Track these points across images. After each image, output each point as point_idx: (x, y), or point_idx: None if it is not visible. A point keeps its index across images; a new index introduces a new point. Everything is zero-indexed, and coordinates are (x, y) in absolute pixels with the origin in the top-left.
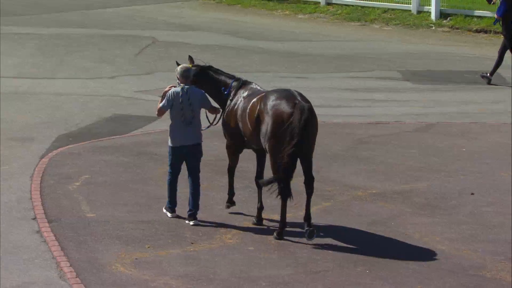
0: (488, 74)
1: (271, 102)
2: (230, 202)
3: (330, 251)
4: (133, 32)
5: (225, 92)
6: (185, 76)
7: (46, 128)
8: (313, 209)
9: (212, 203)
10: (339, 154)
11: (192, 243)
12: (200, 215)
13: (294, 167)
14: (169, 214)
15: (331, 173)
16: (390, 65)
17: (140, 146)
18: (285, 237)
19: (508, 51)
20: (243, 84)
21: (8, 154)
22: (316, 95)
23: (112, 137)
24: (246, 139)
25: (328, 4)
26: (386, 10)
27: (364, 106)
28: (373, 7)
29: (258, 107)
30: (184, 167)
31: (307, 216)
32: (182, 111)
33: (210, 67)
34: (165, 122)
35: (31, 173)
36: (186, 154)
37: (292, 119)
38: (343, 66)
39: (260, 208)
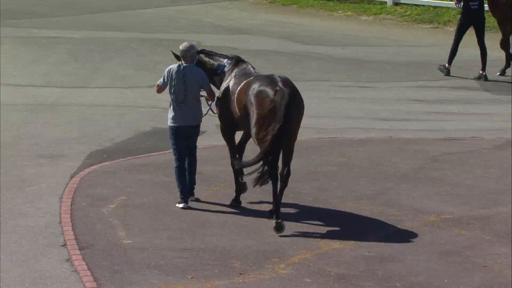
0: (481, 71)
1: (253, 90)
2: (236, 201)
3: (397, 284)
4: (175, 36)
5: (219, 71)
6: (182, 55)
7: (77, 144)
8: (378, 235)
9: (263, 228)
10: (408, 174)
11: (241, 273)
12: (249, 242)
13: (278, 152)
14: (180, 205)
15: (399, 195)
16: (466, 73)
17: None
18: (343, 268)
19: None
20: (236, 62)
21: (35, 172)
22: (382, 107)
23: (152, 153)
24: (236, 121)
25: (396, 4)
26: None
27: (437, 119)
28: (447, 7)
29: (243, 95)
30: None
31: (277, 208)
32: (174, 89)
33: (202, 51)
34: (212, 137)
35: (61, 194)
36: (184, 134)
37: (274, 105)
38: (412, 75)
39: (239, 192)
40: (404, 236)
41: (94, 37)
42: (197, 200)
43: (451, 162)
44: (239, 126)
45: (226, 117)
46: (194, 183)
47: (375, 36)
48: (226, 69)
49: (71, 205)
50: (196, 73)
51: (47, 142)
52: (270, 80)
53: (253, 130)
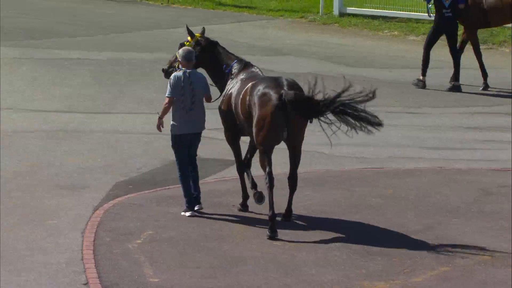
0: (453, 81)
1: (258, 92)
2: (243, 206)
3: None
4: None
5: (226, 71)
6: (187, 58)
7: (101, 174)
8: (427, 275)
9: (301, 264)
10: (459, 207)
11: None
12: (286, 280)
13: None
14: (187, 214)
15: (450, 230)
16: None
17: (215, 195)
18: None
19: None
20: (245, 66)
21: (55, 204)
22: (432, 135)
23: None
24: (239, 124)
25: None
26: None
27: (491, 148)
28: (503, 27)
29: (247, 98)
30: None
31: (289, 212)
32: (183, 97)
33: (217, 43)
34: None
35: (83, 228)
36: (188, 142)
37: (278, 110)
38: (464, 99)
39: (246, 197)
40: (456, 275)
41: (120, 58)
42: (201, 209)
43: (506, 195)
44: (244, 131)
45: (230, 121)
46: (199, 191)
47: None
48: (233, 70)
49: (94, 240)
50: (200, 77)
51: (68, 171)
52: (276, 82)
53: (254, 131)
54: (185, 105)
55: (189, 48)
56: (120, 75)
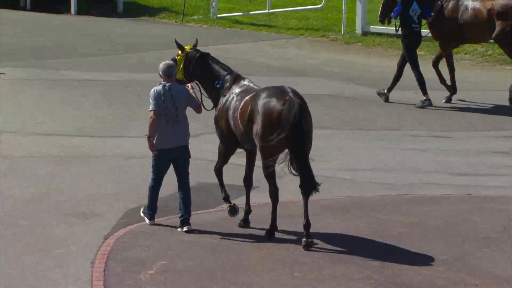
0: (386, 91)
1: (261, 100)
2: (225, 199)
3: None
4: None
5: (217, 86)
6: (167, 73)
7: (112, 200)
8: None
9: None
10: (489, 236)
11: None
12: None
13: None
14: (147, 221)
15: (480, 261)
16: None
17: (232, 223)
18: None
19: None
20: (236, 79)
21: (64, 233)
22: (460, 160)
23: (197, 212)
24: (239, 139)
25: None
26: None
27: None
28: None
29: (250, 107)
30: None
31: (307, 222)
32: (165, 111)
33: (208, 54)
34: (266, 193)
35: (93, 258)
36: (173, 157)
37: (283, 117)
38: (494, 123)
39: (248, 212)
40: None
41: (132, 79)
42: (192, 231)
43: None
44: (242, 143)
45: (227, 136)
46: (190, 213)
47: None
48: (225, 85)
49: (104, 270)
50: (181, 90)
51: (78, 198)
52: (280, 90)
53: (257, 140)
54: (169, 119)
55: (170, 62)
56: (132, 97)
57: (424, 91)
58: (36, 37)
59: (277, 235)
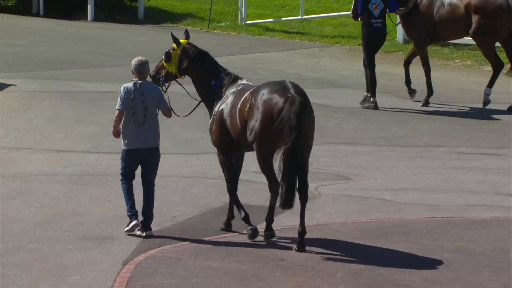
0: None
1: (262, 96)
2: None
3: None
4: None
5: (215, 87)
6: (139, 71)
7: None
8: None
9: None
10: None
11: None
12: None
13: (296, 167)
14: (132, 223)
15: None
16: None
17: (262, 248)
18: None
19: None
20: (233, 80)
21: (80, 258)
22: (510, 179)
23: (223, 235)
24: (235, 140)
25: None
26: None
27: None
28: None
29: (249, 102)
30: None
31: (302, 230)
32: (133, 109)
33: (207, 53)
34: (293, 216)
35: (111, 286)
36: (141, 158)
37: (283, 114)
38: None
39: (231, 218)
40: None
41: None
42: (153, 235)
43: None
44: (241, 145)
45: (224, 141)
46: (152, 218)
47: (501, 92)
48: (222, 84)
49: None
50: (153, 90)
51: (94, 220)
52: (280, 86)
53: (252, 139)
54: (136, 118)
55: (142, 59)
56: None
57: (373, 94)
58: (49, 46)
59: (311, 260)
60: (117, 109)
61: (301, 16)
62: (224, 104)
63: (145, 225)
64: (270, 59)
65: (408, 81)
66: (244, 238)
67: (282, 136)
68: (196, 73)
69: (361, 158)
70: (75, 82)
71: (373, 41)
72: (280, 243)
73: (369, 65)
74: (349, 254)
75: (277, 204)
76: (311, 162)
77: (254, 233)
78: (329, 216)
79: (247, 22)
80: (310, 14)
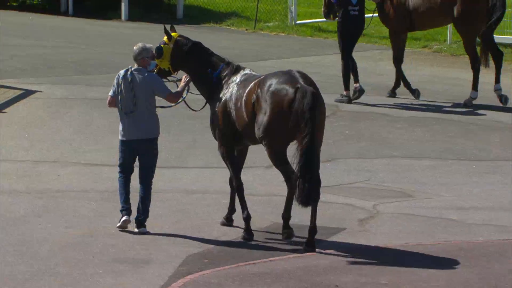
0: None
1: (269, 87)
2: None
3: None
4: None
5: (214, 75)
6: (134, 57)
7: (169, 244)
8: None
9: None
10: None
11: None
12: None
13: (317, 161)
14: (123, 218)
15: None
16: None
17: (313, 272)
18: None
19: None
20: (236, 70)
21: (112, 283)
22: None
23: (270, 259)
24: (241, 134)
25: None
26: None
27: None
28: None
29: (255, 93)
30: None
31: (313, 228)
32: (120, 96)
33: (200, 43)
34: (347, 235)
35: None
36: (136, 150)
37: (296, 107)
38: None
39: (232, 211)
40: None
41: (193, 99)
42: (146, 233)
43: None
44: (244, 139)
45: (227, 133)
46: (147, 214)
47: None
48: (222, 75)
49: None
50: (146, 78)
51: (129, 242)
52: (289, 76)
53: (264, 130)
54: (124, 106)
55: (140, 45)
56: (194, 120)
57: (347, 86)
58: (79, 48)
59: (366, 287)
60: (109, 95)
61: None
62: (228, 95)
63: (140, 222)
64: (323, 63)
65: (405, 81)
66: (294, 262)
67: (296, 130)
68: (191, 66)
69: (425, 173)
70: (108, 88)
71: (349, 30)
72: (332, 262)
73: (346, 57)
74: (411, 281)
75: (297, 201)
76: (368, 177)
77: (248, 237)
78: (389, 238)
79: (298, 22)
80: (368, 13)
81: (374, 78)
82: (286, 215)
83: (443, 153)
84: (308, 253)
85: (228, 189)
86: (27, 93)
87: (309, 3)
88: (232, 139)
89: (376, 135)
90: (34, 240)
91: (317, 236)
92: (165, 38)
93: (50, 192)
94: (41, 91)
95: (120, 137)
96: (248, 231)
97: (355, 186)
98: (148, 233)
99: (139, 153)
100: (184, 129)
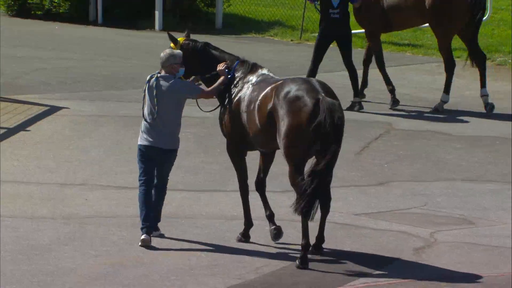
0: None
1: (288, 95)
2: (244, 236)
3: None
4: (359, 114)
5: (229, 76)
6: (161, 64)
7: (206, 275)
8: None
9: None
10: None
11: None
12: None
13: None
14: (141, 237)
15: None
16: None
17: None
18: None
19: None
20: (251, 68)
21: None
22: None
23: None
24: (250, 137)
25: None
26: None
27: None
28: None
29: (272, 100)
30: None
31: (320, 238)
32: (143, 101)
33: (208, 44)
34: (401, 266)
35: None
36: (154, 158)
37: (319, 121)
38: None
39: (271, 215)
40: None
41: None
42: (161, 236)
43: None
44: (254, 144)
45: (237, 133)
46: (159, 219)
47: None
48: (236, 73)
49: None
50: (173, 84)
51: (162, 272)
52: (309, 85)
53: (282, 142)
54: (148, 113)
55: (168, 52)
56: None
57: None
58: (109, 61)
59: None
60: None
61: None
62: (241, 95)
63: (153, 225)
64: (375, 76)
65: (364, 84)
66: None
67: (315, 145)
68: (204, 67)
69: (488, 198)
70: (140, 104)
71: (328, 33)
72: None
73: (316, 60)
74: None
75: (293, 208)
76: (425, 202)
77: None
78: (447, 269)
79: None
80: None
81: (432, 94)
82: (306, 244)
83: (507, 176)
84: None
85: (277, 214)
86: (53, 109)
87: None
88: (241, 141)
89: (433, 155)
90: (60, 271)
91: (368, 267)
92: (171, 45)
93: (77, 217)
94: (68, 108)
95: (138, 141)
96: (245, 234)
97: (410, 212)
98: (162, 235)
99: (157, 161)
100: (223, 150)
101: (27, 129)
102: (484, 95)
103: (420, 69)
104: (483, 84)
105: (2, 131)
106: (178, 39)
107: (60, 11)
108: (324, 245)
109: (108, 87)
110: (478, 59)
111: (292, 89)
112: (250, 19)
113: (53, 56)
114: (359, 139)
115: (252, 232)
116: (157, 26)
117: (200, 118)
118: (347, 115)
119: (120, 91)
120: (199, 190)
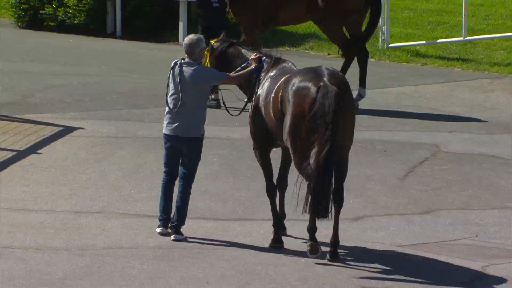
0: None
1: (292, 86)
2: (276, 242)
3: None
4: (403, 134)
5: (259, 65)
6: (185, 51)
7: None
8: None
9: None
10: None
11: None
12: None
13: (331, 172)
14: (158, 229)
15: None
16: None
17: None
18: None
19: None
20: (275, 62)
21: None
22: None
23: None
24: (270, 132)
25: None
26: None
27: None
28: None
29: (281, 92)
30: None
31: (335, 238)
32: (167, 89)
33: (233, 42)
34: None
35: None
36: (178, 148)
37: (315, 108)
38: None
39: (282, 217)
40: None
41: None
42: (185, 240)
43: None
44: (276, 139)
45: (260, 130)
46: (183, 222)
47: None
48: (263, 71)
49: None
50: (194, 71)
51: None
52: (314, 73)
53: (287, 134)
54: (170, 100)
55: (192, 38)
56: None
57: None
58: (129, 76)
59: None
60: None
61: (464, 37)
62: (261, 90)
63: (175, 228)
64: (421, 93)
65: None
66: None
67: (315, 134)
68: (227, 65)
69: None
70: (162, 124)
71: (211, 24)
72: None
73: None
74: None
75: (306, 210)
76: (476, 232)
77: (276, 245)
78: None
79: (391, 45)
80: (476, 35)
81: (484, 113)
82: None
83: None
84: None
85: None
86: (67, 130)
87: (405, 22)
88: (266, 139)
89: (486, 181)
90: None
91: None
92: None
93: (93, 249)
94: (84, 128)
95: (163, 131)
96: (277, 239)
97: (460, 243)
98: (185, 239)
99: (182, 151)
100: (254, 174)
101: (39, 151)
102: (359, 95)
103: (470, 86)
104: (361, 83)
105: (12, 153)
106: (210, 41)
107: (75, 22)
108: (364, 276)
109: (128, 106)
110: (361, 55)
111: (298, 80)
112: (284, 31)
113: (68, 71)
114: (402, 162)
115: (284, 265)
116: (181, 39)
117: (228, 140)
118: (390, 136)
119: (141, 109)
120: (227, 219)
